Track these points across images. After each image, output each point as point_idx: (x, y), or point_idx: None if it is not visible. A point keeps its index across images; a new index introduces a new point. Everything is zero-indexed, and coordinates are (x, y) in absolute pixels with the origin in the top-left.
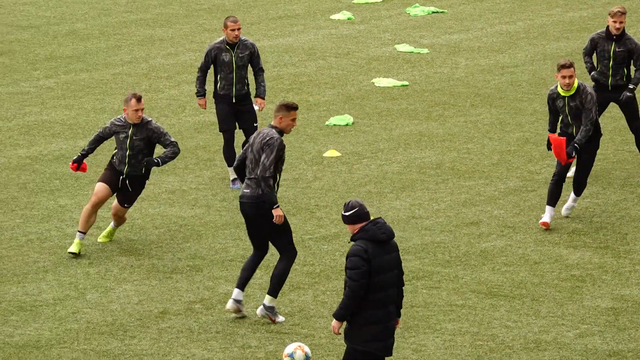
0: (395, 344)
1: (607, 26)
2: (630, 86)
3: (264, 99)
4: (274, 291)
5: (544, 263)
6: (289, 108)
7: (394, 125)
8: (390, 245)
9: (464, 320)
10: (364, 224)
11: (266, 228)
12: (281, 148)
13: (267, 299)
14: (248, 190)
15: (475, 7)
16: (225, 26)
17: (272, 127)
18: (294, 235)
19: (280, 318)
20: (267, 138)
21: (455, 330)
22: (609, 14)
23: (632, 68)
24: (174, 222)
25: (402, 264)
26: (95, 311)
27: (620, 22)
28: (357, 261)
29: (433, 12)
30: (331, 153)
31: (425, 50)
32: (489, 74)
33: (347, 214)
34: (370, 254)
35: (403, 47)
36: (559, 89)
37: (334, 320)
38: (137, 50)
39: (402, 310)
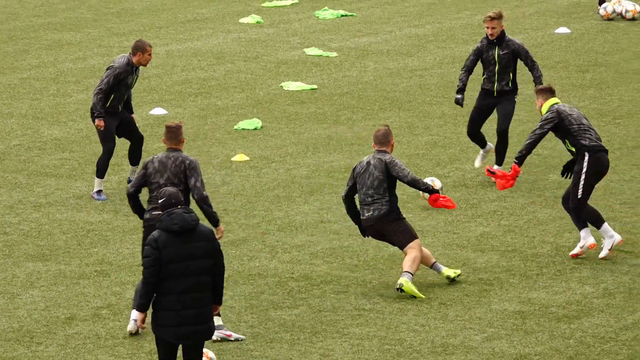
0: (302, 349)
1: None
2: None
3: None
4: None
5: (453, 266)
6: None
7: (302, 129)
8: (192, 234)
9: (372, 324)
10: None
11: None
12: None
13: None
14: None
15: (384, 10)
16: (144, 50)
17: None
18: None
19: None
20: (187, 161)
21: (363, 335)
22: (483, 20)
23: (519, 74)
24: (81, 227)
25: (222, 253)
26: (1, 317)
27: (493, 28)
28: (148, 250)
29: (342, 16)
30: (240, 157)
31: (334, 54)
32: (397, 77)
33: (159, 202)
34: (161, 243)
35: (312, 51)
36: None
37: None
38: (45, 55)
39: (310, 315)
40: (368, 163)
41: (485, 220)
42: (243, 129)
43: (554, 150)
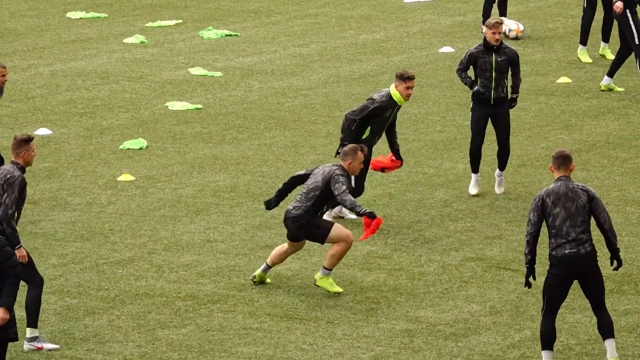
0: None
1: (485, 38)
2: (514, 95)
3: None
4: (33, 322)
5: (339, 285)
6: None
7: (187, 149)
8: None
9: (260, 343)
10: None
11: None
12: (23, 186)
13: (29, 331)
14: None
15: (268, 30)
16: None
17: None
18: (88, 259)
19: (49, 345)
20: (8, 176)
21: (250, 354)
22: (487, 26)
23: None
24: None
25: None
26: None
27: (499, 33)
28: None
29: (226, 35)
30: (125, 177)
31: (219, 74)
32: (282, 96)
33: None
34: None
35: (196, 71)
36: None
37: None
38: None
39: (197, 334)
40: (321, 167)
41: (372, 238)
42: (128, 148)
43: (439, 169)
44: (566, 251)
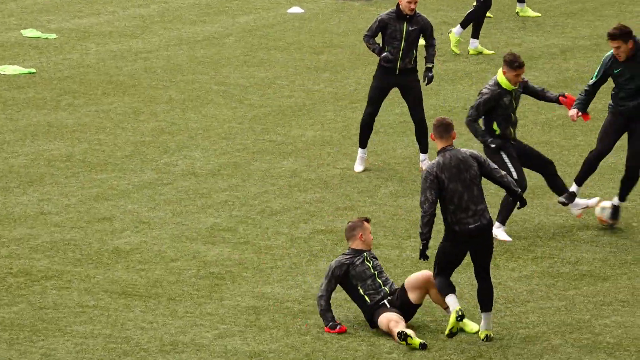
0: (22, 348)
1: (397, 5)
2: (429, 65)
3: None
4: None
5: (181, 260)
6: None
7: (20, 116)
8: None
9: (97, 321)
10: None
11: None
12: None
13: None
14: None
15: None
16: None
17: None
18: None
19: None
20: None
21: (87, 333)
22: None
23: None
24: None
25: None
26: None
27: (415, 2)
28: None
29: None
30: None
31: (53, 35)
32: (121, 60)
33: None
34: None
35: (29, 32)
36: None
37: None
38: None
39: (30, 312)
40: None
41: (216, 210)
42: None
43: (288, 136)
44: (471, 226)
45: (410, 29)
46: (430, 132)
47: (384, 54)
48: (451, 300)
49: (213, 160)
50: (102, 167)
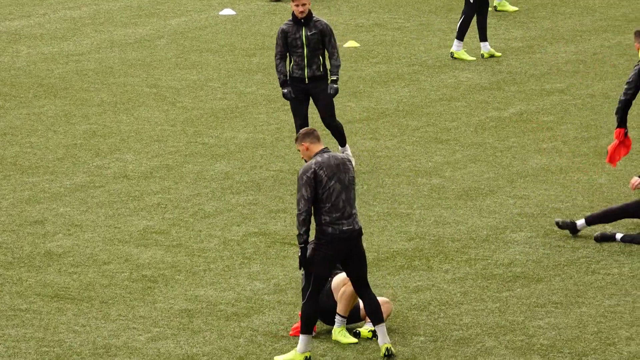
0: None
1: (293, 12)
2: (334, 77)
3: None
4: None
5: (114, 263)
6: None
7: None
8: None
9: (29, 325)
10: None
11: None
12: None
13: None
14: None
15: None
16: None
17: None
18: None
19: None
20: None
21: (19, 337)
22: (291, 0)
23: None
24: None
25: None
26: None
27: (303, 5)
28: None
29: None
30: None
31: None
32: (52, 62)
33: None
34: None
35: None
36: None
37: None
38: None
39: None
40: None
41: (149, 213)
42: None
43: (220, 139)
44: (344, 228)
45: (308, 34)
46: (306, 140)
47: (284, 90)
48: (305, 340)
49: (145, 163)
50: (33, 170)
